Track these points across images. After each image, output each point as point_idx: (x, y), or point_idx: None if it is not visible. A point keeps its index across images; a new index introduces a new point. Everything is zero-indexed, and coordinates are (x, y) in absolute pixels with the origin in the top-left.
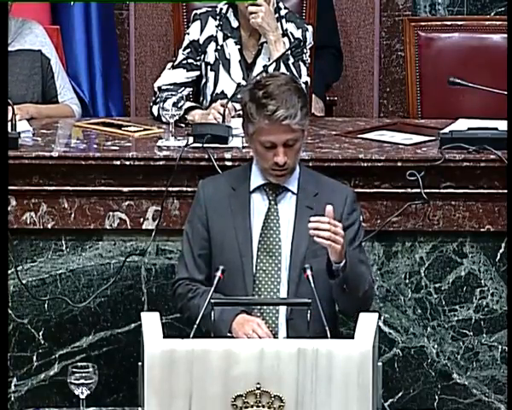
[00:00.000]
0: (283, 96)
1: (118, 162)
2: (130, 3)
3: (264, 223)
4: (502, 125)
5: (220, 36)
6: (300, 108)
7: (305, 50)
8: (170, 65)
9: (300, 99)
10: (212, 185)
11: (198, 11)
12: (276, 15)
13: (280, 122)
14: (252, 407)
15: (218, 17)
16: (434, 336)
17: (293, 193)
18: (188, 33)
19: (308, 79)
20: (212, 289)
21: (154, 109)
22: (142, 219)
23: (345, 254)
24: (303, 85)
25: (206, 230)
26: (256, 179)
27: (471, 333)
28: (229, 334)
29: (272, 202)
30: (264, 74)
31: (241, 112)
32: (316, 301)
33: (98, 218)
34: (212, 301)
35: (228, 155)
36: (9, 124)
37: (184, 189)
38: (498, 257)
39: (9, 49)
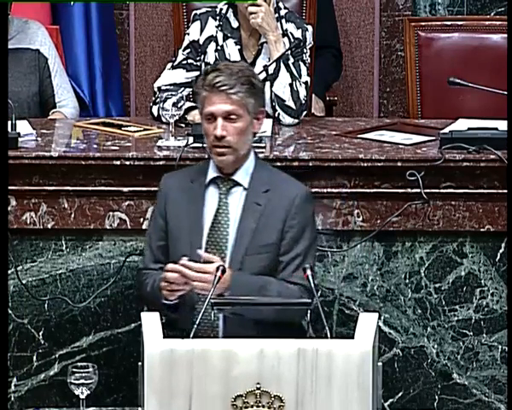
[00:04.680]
0: (228, 71)
1: (118, 162)
2: (130, 3)
3: (214, 217)
4: (502, 125)
5: (220, 36)
6: (242, 84)
7: (305, 50)
8: (170, 65)
9: (247, 80)
10: (172, 178)
11: (198, 11)
12: (276, 15)
13: (218, 89)
14: (252, 407)
15: (217, 17)
16: (434, 336)
17: (244, 188)
18: (188, 33)
19: (308, 79)
20: (213, 289)
21: (154, 109)
22: (142, 219)
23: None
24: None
25: (165, 221)
26: (211, 172)
27: (471, 333)
28: (165, 301)
29: (222, 197)
30: None
31: None
32: (317, 301)
33: (98, 218)
34: (212, 301)
35: None
36: (9, 124)
37: None
38: (498, 257)
39: (8, 46)
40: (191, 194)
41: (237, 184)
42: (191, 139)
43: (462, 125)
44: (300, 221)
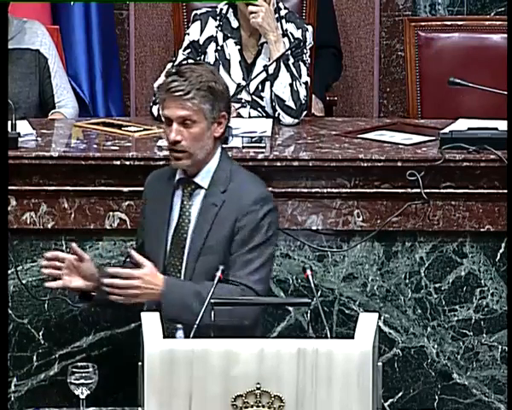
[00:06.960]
0: (188, 76)
1: (118, 162)
2: (130, 3)
3: (177, 219)
4: (502, 125)
5: (220, 36)
6: (198, 89)
7: (305, 50)
8: (170, 65)
9: (204, 85)
10: (154, 176)
11: (198, 11)
12: (276, 15)
13: (172, 94)
14: (252, 407)
15: (218, 17)
16: (434, 336)
17: (205, 190)
18: (188, 34)
19: (308, 79)
20: (212, 289)
21: (154, 109)
22: None
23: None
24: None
25: (144, 219)
26: (178, 174)
27: (471, 333)
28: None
29: (184, 199)
30: None
31: (240, 111)
32: (317, 301)
33: (98, 218)
34: (212, 301)
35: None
36: (9, 124)
37: None
38: (498, 257)
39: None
40: (162, 194)
41: (198, 186)
42: None
43: (462, 125)
44: (249, 223)
